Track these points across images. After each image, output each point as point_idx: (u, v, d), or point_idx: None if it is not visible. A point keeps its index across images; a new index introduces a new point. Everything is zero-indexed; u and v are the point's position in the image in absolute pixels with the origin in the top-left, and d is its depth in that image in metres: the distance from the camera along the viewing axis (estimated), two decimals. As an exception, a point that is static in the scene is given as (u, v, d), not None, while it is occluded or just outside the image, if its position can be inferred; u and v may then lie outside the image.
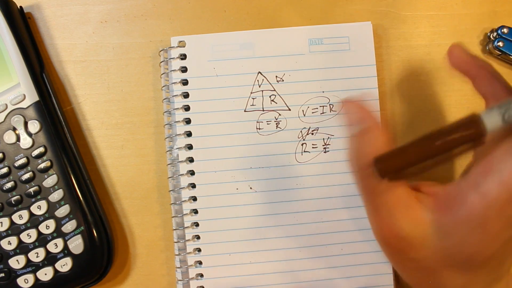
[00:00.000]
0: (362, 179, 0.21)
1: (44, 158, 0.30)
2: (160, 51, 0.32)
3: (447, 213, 0.19)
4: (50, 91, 0.31)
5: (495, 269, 0.20)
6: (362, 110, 0.22)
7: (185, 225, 0.31)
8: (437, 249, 0.19)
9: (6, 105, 0.30)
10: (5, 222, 0.29)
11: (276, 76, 0.32)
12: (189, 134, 0.31)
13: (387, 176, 0.19)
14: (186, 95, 0.31)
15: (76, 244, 0.30)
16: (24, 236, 0.29)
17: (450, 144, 0.18)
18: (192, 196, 0.31)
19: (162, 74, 0.32)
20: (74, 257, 0.30)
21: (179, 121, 0.31)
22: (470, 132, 0.18)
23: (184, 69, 0.31)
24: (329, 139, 0.32)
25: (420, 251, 0.19)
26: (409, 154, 0.19)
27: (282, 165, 0.31)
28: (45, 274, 0.29)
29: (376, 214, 0.20)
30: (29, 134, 0.30)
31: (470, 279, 0.20)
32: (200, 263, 0.31)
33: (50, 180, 0.30)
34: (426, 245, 0.19)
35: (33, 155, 0.30)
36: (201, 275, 0.31)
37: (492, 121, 0.18)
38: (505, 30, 0.32)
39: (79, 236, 0.30)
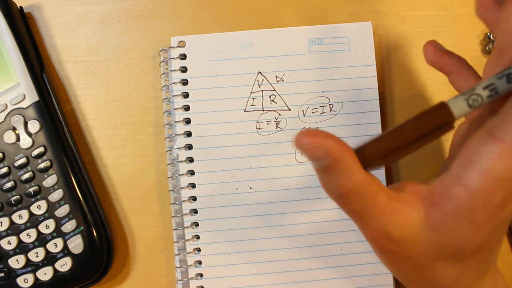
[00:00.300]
0: (344, 203, 0.21)
1: (44, 158, 0.30)
2: (160, 51, 0.32)
3: (434, 209, 0.19)
4: (50, 91, 0.31)
5: (484, 258, 0.20)
6: (320, 138, 0.19)
7: (185, 225, 0.31)
8: (428, 245, 0.19)
9: (6, 105, 0.30)
10: (5, 221, 0.29)
11: (276, 76, 0.32)
12: (189, 134, 0.31)
13: (370, 165, 0.20)
14: (186, 95, 0.31)
15: (76, 244, 0.30)
16: (23, 236, 0.29)
17: (422, 131, 0.19)
18: (192, 196, 0.31)
19: (162, 74, 0.32)
20: (73, 257, 0.30)
21: (179, 121, 0.31)
22: (439, 119, 0.19)
23: (184, 69, 0.32)
24: (329, 139, 0.32)
25: (412, 250, 0.20)
26: (386, 144, 0.20)
27: (282, 165, 0.31)
28: (45, 274, 0.29)
29: (363, 225, 0.21)
30: (29, 134, 0.30)
31: (462, 270, 0.20)
32: (200, 263, 0.31)
33: (50, 180, 0.30)
34: (417, 243, 0.19)
35: (33, 155, 0.30)
36: (201, 275, 0.31)
37: (458, 107, 0.19)
38: (505, 30, 0.32)
39: (78, 236, 0.30)
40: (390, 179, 0.33)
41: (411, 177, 0.33)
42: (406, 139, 0.19)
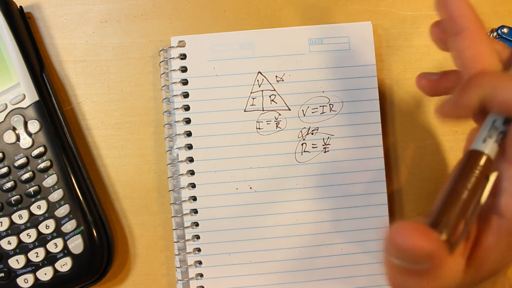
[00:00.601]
0: None
1: (44, 158, 0.30)
2: (160, 51, 0.32)
3: (474, 247, 0.19)
4: (50, 91, 0.31)
5: (503, 271, 0.21)
6: (420, 238, 0.16)
7: (185, 225, 0.31)
8: (467, 281, 0.19)
9: (6, 104, 0.30)
10: (5, 222, 0.29)
11: (276, 76, 0.32)
12: (189, 134, 0.31)
13: (453, 248, 0.19)
14: (186, 95, 0.31)
15: (76, 244, 0.30)
16: (24, 236, 0.29)
17: (473, 185, 0.18)
18: (192, 196, 0.31)
19: (162, 74, 0.32)
20: (74, 257, 0.30)
21: (179, 121, 0.31)
22: (482, 166, 0.18)
23: (184, 69, 0.31)
24: (329, 139, 0.32)
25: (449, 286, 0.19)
26: (455, 217, 0.18)
27: (282, 165, 0.31)
28: (45, 274, 0.29)
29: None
30: (29, 134, 0.30)
31: (483, 283, 0.20)
32: (200, 263, 0.31)
33: (50, 180, 0.30)
34: (459, 282, 0.19)
35: (33, 155, 0.30)
36: (201, 275, 0.31)
37: (491, 149, 0.19)
38: (505, 30, 0.32)
39: (79, 236, 0.30)
40: (391, 181, 0.33)
41: (412, 178, 0.33)
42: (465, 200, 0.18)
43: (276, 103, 0.32)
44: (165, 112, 0.32)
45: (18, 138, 0.30)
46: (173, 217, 0.31)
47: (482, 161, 0.18)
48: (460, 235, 0.18)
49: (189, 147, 0.31)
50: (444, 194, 0.18)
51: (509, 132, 0.18)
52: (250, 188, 0.31)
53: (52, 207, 0.30)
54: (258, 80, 0.32)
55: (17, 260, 0.29)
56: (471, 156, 0.19)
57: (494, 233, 0.18)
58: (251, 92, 0.32)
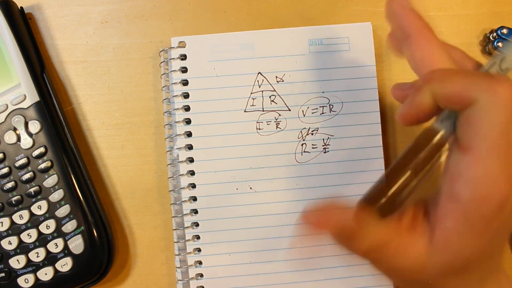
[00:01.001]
0: (364, 259, 0.21)
1: (45, 158, 0.30)
2: (161, 51, 0.32)
3: (435, 230, 0.20)
4: (51, 91, 0.31)
5: (486, 263, 0.21)
6: (325, 221, 0.21)
7: (185, 225, 0.31)
8: (436, 266, 0.20)
9: (7, 105, 0.30)
10: (6, 222, 0.29)
11: (276, 77, 0.32)
12: (189, 134, 0.31)
13: (384, 213, 0.20)
14: (186, 96, 0.32)
15: (76, 244, 0.30)
16: (24, 236, 0.29)
17: (424, 161, 0.20)
18: (192, 196, 0.31)
19: (162, 74, 0.32)
20: (74, 257, 0.30)
21: (179, 122, 0.31)
22: (436, 143, 0.20)
23: (184, 70, 0.32)
24: (329, 140, 0.32)
25: (421, 275, 0.20)
26: (392, 184, 0.20)
27: (282, 165, 0.31)
28: (46, 274, 0.29)
29: (377, 267, 0.21)
30: (30, 134, 0.30)
31: (464, 278, 0.20)
32: (200, 263, 0.31)
33: (51, 180, 0.30)
34: (426, 268, 0.20)
35: (33, 155, 0.30)
36: (201, 275, 0.31)
37: (447, 128, 0.20)
38: (504, 31, 0.32)
39: (79, 236, 0.30)
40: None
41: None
42: (410, 173, 0.20)
43: (276, 103, 0.32)
44: (165, 112, 0.32)
45: (18, 139, 0.30)
46: (173, 217, 0.32)
47: (437, 138, 0.20)
48: (391, 203, 0.20)
49: (189, 147, 0.31)
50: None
51: (458, 122, 0.19)
52: (250, 188, 0.31)
53: (52, 207, 0.30)
54: (258, 81, 0.32)
55: (17, 260, 0.29)
56: (425, 131, 0.20)
57: (452, 218, 0.19)
58: (251, 93, 0.32)
